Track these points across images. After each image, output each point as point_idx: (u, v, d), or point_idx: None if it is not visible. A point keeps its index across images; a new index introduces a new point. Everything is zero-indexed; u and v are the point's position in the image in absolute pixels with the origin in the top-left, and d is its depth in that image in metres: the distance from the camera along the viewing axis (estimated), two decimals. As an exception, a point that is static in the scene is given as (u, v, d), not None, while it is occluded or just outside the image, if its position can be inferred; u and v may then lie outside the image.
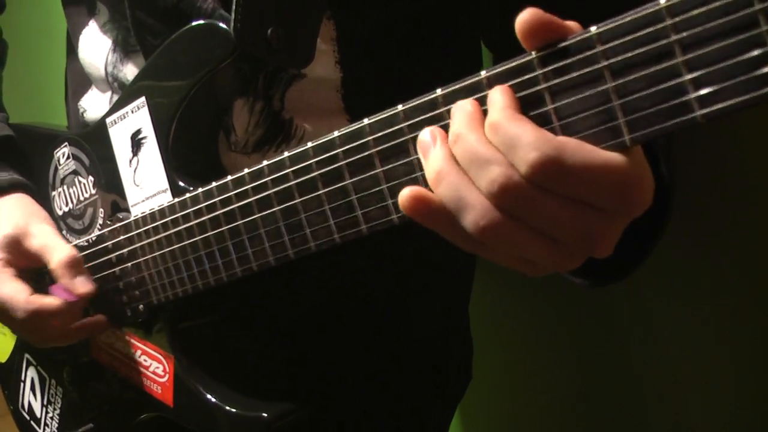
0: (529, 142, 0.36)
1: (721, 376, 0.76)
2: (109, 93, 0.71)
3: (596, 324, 0.88)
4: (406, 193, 0.40)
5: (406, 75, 0.61)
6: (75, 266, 0.66)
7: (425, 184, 0.43)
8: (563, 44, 0.38)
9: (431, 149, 0.41)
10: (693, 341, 0.78)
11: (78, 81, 0.75)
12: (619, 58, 0.36)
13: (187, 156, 0.64)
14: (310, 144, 0.50)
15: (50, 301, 0.65)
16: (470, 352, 0.87)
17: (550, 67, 0.38)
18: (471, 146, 0.38)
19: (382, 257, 0.70)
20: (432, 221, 0.41)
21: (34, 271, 0.71)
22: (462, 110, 0.40)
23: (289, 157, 0.51)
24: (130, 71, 0.68)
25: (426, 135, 0.41)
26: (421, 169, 0.43)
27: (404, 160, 0.45)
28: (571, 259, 0.40)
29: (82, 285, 0.66)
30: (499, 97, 0.39)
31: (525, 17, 0.37)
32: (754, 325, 0.73)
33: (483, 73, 0.41)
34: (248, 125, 0.63)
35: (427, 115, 0.43)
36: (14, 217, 0.70)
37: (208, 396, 0.63)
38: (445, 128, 0.42)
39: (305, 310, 0.70)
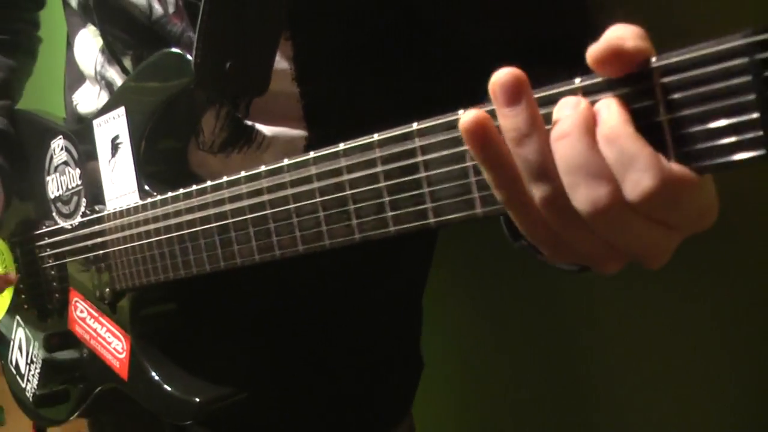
0: (646, 165, 0.34)
1: (702, 377, 0.77)
2: (97, 88, 0.79)
3: (554, 314, 0.90)
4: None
5: (365, 89, 0.66)
6: None
7: (357, 219, 0.50)
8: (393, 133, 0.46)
9: (530, 136, 0.37)
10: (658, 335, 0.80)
11: (74, 75, 0.83)
12: (432, 155, 0.44)
13: (158, 160, 0.72)
14: (263, 167, 0.56)
15: None
16: (416, 337, 0.88)
17: (426, 142, 0.45)
18: (581, 153, 0.35)
19: (335, 253, 0.76)
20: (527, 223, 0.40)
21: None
22: (576, 109, 0.36)
23: (245, 176, 0.57)
24: (115, 72, 0.76)
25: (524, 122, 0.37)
26: (340, 206, 0.51)
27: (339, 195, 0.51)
28: (621, 264, 0.41)
29: None
30: (617, 109, 0.35)
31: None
32: (754, 325, 0.73)
33: (375, 137, 0.48)
34: (214, 128, 0.70)
35: (365, 158, 0.49)
36: None
37: (153, 374, 0.72)
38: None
39: (260, 299, 0.76)
